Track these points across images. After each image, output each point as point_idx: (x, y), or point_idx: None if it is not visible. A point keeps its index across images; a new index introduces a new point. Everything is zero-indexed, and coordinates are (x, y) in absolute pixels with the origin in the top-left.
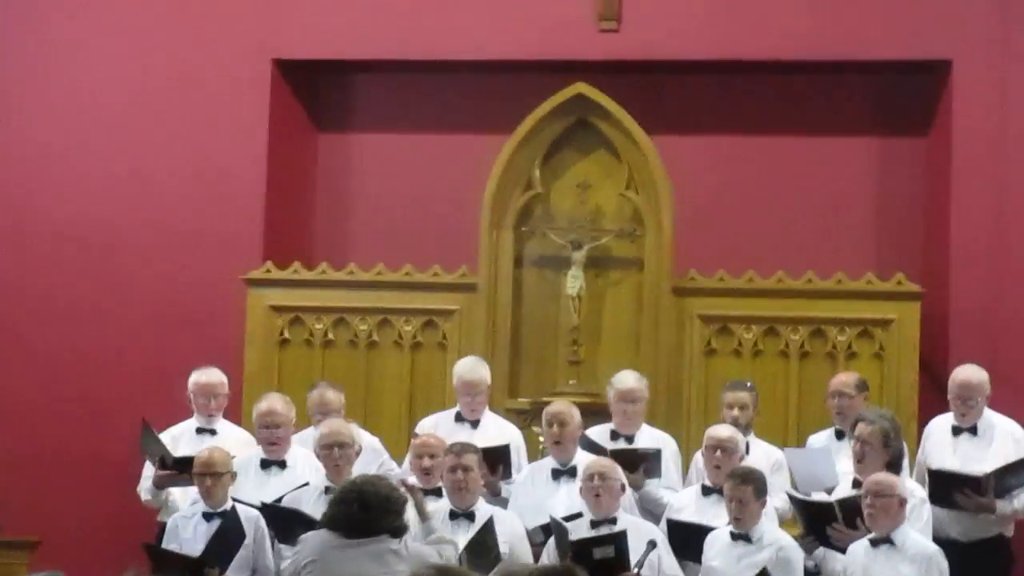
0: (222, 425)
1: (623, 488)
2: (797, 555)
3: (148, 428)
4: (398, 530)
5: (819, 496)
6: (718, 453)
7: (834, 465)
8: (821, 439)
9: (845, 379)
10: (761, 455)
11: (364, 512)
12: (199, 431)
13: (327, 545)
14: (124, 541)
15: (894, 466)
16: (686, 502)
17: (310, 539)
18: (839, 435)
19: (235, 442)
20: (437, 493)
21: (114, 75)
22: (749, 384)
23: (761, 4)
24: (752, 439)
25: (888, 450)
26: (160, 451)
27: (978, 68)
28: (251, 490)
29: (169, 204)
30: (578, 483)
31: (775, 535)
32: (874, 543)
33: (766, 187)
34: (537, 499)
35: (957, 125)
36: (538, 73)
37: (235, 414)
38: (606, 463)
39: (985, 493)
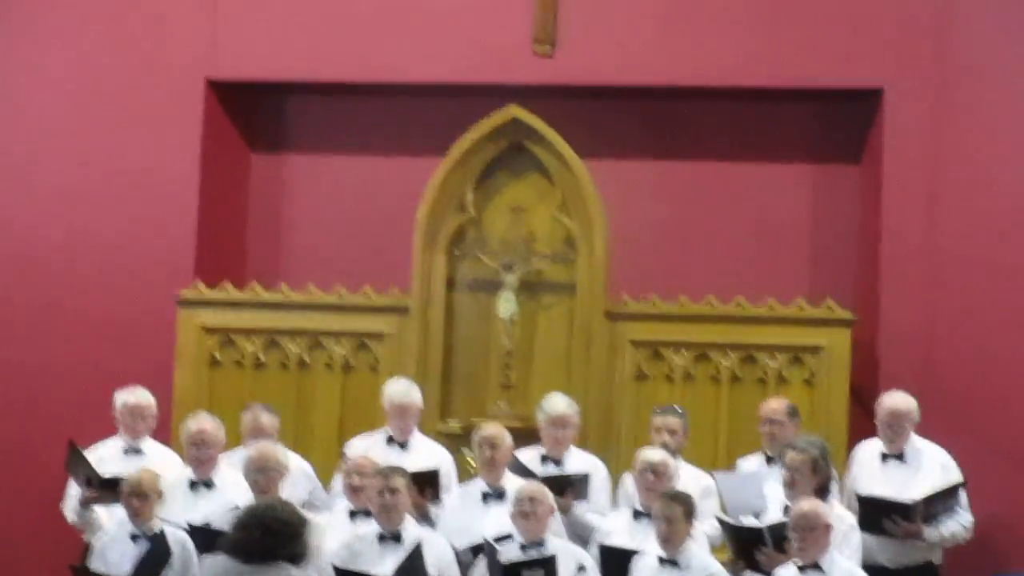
0: (148, 445)
1: (552, 511)
2: None
3: (75, 448)
4: (297, 556)
5: (749, 521)
6: (650, 477)
7: (763, 490)
8: (752, 463)
9: (776, 406)
10: (690, 480)
11: (265, 538)
12: (126, 451)
13: (226, 571)
14: (52, 561)
15: (823, 491)
16: (617, 526)
17: (208, 565)
18: (769, 460)
19: (163, 462)
20: (367, 514)
21: (48, 92)
22: (680, 409)
23: (696, 31)
24: (681, 463)
25: (817, 477)
26: (87, 472)
27: (910, 96)
28: (179, 511)
29: (101, 221)
30: (508, 506)
31: (704, 561)
32: (802, 569)
33: (699, 212)
34: (467, 521)
35: (889, 152)
36: (473, 96)
37: (165, 434)
38: (536, 487)
39: (914, 519)
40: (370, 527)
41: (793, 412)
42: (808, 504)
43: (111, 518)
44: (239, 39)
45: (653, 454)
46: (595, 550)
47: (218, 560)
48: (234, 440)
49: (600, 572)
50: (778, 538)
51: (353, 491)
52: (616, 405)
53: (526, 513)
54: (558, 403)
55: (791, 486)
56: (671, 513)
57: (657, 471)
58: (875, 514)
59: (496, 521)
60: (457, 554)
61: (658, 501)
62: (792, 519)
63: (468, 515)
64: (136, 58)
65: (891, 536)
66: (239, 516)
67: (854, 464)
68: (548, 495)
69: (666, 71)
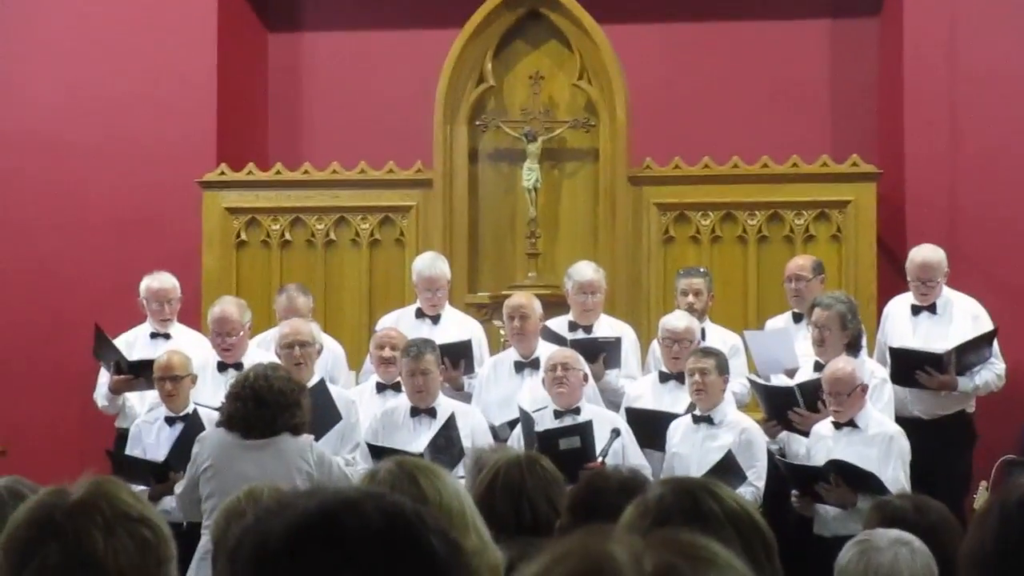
0: (176, 329)
1: (586, 378)
2: (759, 437)
3: (101, 333)
4: (298, 427)
5: (780, 380)
6: (675, 346)
7: (793, 347)
8: (779, 322)
9: (801, 262)
10: (717, 340)
11: (259, 409)
12: (153, 336)
13: (226, 447)
14: (88, 448)
15: (853, 347)
16: (643, 390)
17: (207, 440)
18: (796, 318)
19: (191, 346)
20: (397, 388)
21: None
22: (703, 270)
23: None
24: (708, 324)
25: (846, 332)
26: (115, 356)
27: None
28: (210, 393)
29: (120, 110)
30: (541, 374)
31: (737, 417)
32: (837, 425)
33: (719, 73)
34: (501, 392)
35: (908, 3)
36: None
37: (194, 317)
38: (568, 353)
39: (946, 370)
40: (399, 400)
41: (818, 268)
42: (842, 366)
43: (143, 403)
44: None
45: (676, 322)
46: (625, 414)
47: (218, 434)
48: (261, 319)
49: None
50: (810, 396)
51: (383, 363)
52: (643, 269)
53: (559, 380)
54: (585, 269)
55: (820, 343)
56: (705, 366)
57: (680, 340)
58: (907, 366)
59: (531, 391)
60: (494, 429)
61: (691, 356)
62: (826, 381)
63: (502, 386)
64: None
65: (924, 387)
66: (232, 387)
67: (886, 319)
68: (580, 360)
69: None
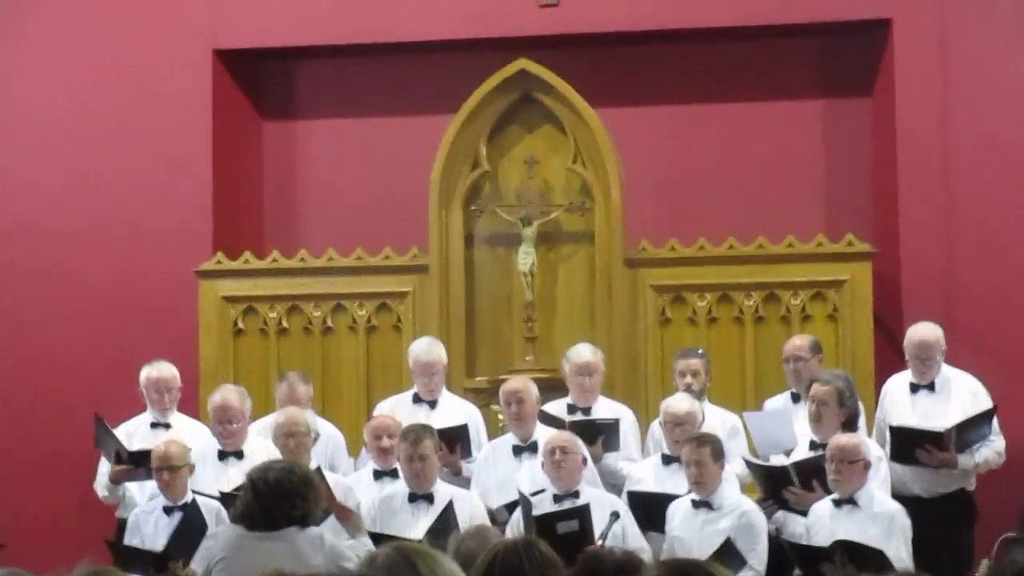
0: (176, 418)
1: (585, 461)
2: (760, 519)
3: (102, 423)
4: (305, 518)
5: (779, 461)
6: (677, 430)
7: (792, 427)
8: (777, 403)
9: (799, 342)
10: (716, 421)
11: (258, 502)
12: (153, 425)
13: (236, 539)
14: (86, 538)
15: (850, 425)
16: (646, 472)
17: (220, 534)
18: (795, 398)
19: (191, 434)
20: (394, 475)
21: (56, 72)
22: (700, 351)
23: None
24: (707, 405)
25: (844, 409)
26: (115, 446)
27: (918, 25)
28: (210, 481)
29: (117, 199)
30: (540, 458)
31: (736, 500)
32: (837, 504)
33: (713, 154)
34: (500, 477)
35: (900, 83)
36: (480, 51)
37: (192, 406)
38: (567, 437)
39: (947, 448)
40: (397, 487)
41: (816, 348)
42: (848, 437)
43: (143, 493)
44: (244, 7)
45: (678, 406)
46: (626, 497)
47: (230, 528)
48: (260, 407)
49: (633, 519)
50: (805, 475)
51: (381, 453)
52: (640, 351)
53: (557, 463)
54: (583, 351)
55: (818, 420)
56: (700, 457)
57: (682, 423)
58: (908, 444)
59: (530, 474)
60: (492, 513)
61: (686, 445)
62: (830, 451)
63: (501, 470)
64: (142, 33)
65: (924, 465)
66: (244, 482)
67: (885, 397)
68: (579, 444)
69: (672, 15)
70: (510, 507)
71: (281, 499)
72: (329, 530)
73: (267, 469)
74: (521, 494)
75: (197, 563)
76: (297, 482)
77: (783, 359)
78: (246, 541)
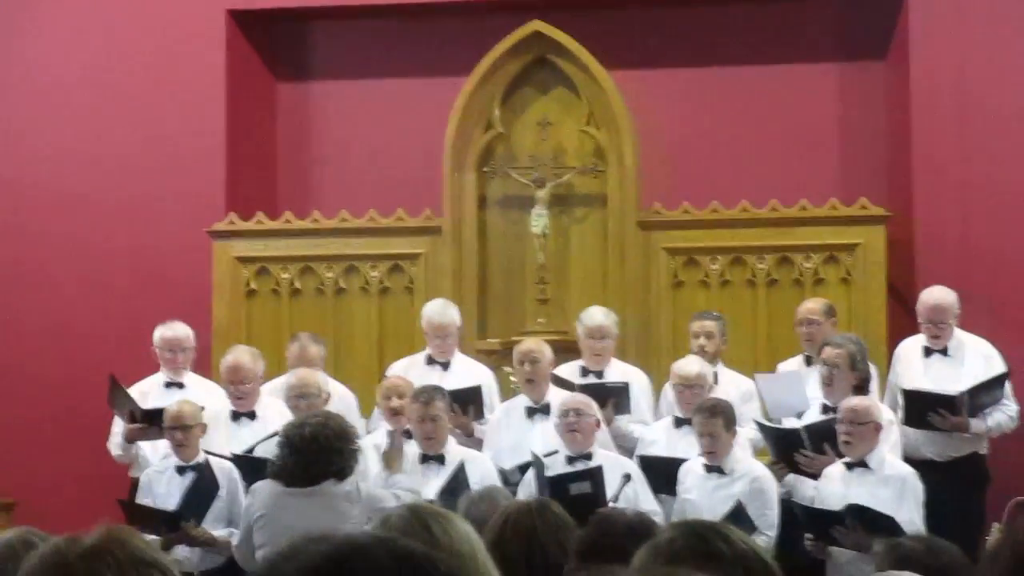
0: (190, 378)
1: (598, 424)
2: (771, 484)
3: (116, 383)
4: (342, 472)
5: (788, 422)
6: (687, 392)
7: (804, 389)
8: (791, 366)
9: (812, 306)
10: (730, 385)
11: (295, 457)
12: (167, 385)
13: (275, 496)
14: (99, 498)
15: (862, 388)
16: (657, 435)
17: (258, 491)
18: (808, 361)
19: (204, 394)
20: (407, 435)
21: (71, 34)
22: (716, 313)
23: None
24: (720, 368)
25: (855, 373)
26: (129, 405)
27: None
28: (222, 442)
29: (130, 161)
30: (553, 420)
31: (748, 465)
32: (849, 467)
33: (727, 118)
34: (512, 438)
35: (915, 47)
36: (494, 13)
37: (205, 366)
38: (581, 399)
39: (959, 412)
40: (411, 448)
41: (830, 311)
42: (859, 399)
43: (156, 452)
44: None
45: (688, 368)
46: (638, 460)
47: (268, 485)
48: (272, 367)
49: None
50: (816, 438)
51: (392, 414)
52: (653, 314)
53: (571, 425)
54: (596, 314)
55: (829, 383)
56: (713, 428)
57: (693, 386)
58: (920, 408)
59: (542, 436)
60: (504, 473)
61: (697, 415)
62: (842, 413)
63: (513, 432)
64: None
65: (937, 430)
66: (278, 438)
67: (897, 361)
68: (593, 406)
69: None
70: (523, 468)
71: (318, 455)
72: None
73: (302, 425)
74: (534, 455)
75: (241, 523)
76: (332, 436)
77: (796, 322)
78: (283, 499)
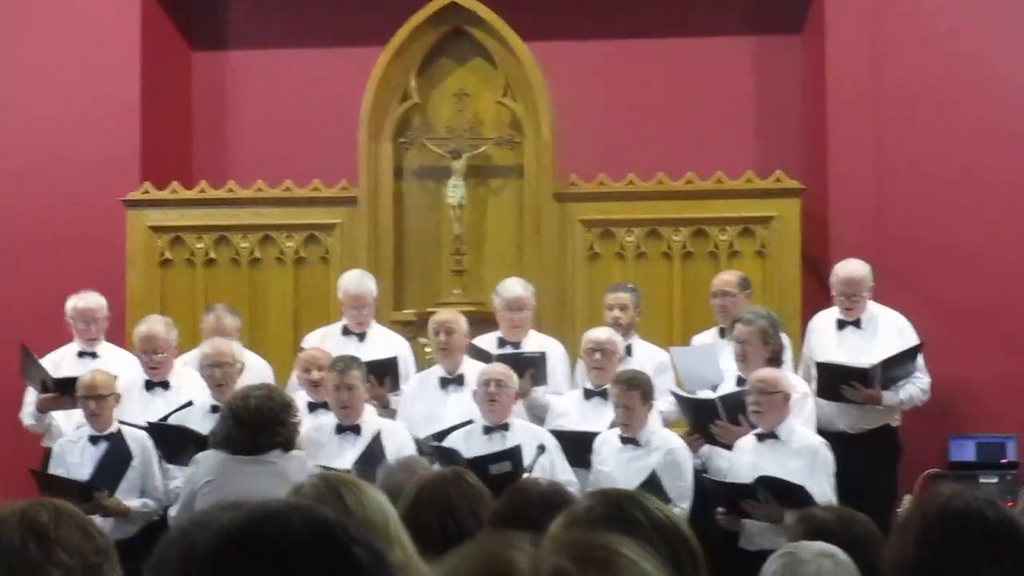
0: (104, 348)
1: (517, 396)
2: (685, 456)
3: (28, 353)
4: (288, 443)
5: (704, 394)
6: (597, 355)
7: (718, 362)
8: (705, 338)
9: (727, 278)
10: (645, 357)
11: (240, 429)
12: (80, 355)
13: (222, 463)
14: (13, 468)
15: (775, 362)
16: (568, 406)
17: (205, 459)
18: (723, 333)
19: (118, 364)
20: (325, 407)
21: None
22: (630, 285)
23: None
24: (635, 340)
25: (768, 347)
26: (41, 375)
27: None
28: (136, 411)
29: (44, 129)
30: (470, 389)
31: (664, 438)
32: (760, 438)
33: (644, 90)
34: (426, 408)
35: (831, 20)
36: None
37: (119, 336)
38: (502, 369)
39: (872, 384)
40: (325, 419)
41: (744, 283)
42: (767, 370)
43: (69, 422)
44: None
45: (598, 333)
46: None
47: (214, 454)
48: (187, 338)
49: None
50: (731, 409)
51: (311, 385)
52: (569, 286)
53: (492, 395)
54: (513, 286)
55: (742, 358)
56: (629, 400)
57: (603, 349)
58: (833, 380)
59: (456, 407)
60: (418, 443)
61: (614, 387)
62: (750, 383)
63: (427, 402)
64: None
65: (850, 402)
66: (222, 410)
67: (811, 333)
68: (514, 378)
69: None
70: (437, 436)
71: (264, 426)
72: None
73: (247, 397)
74: (438, 447)
75: (181, 492)
76: (277, 408)
77: (711, 294)
78: (231, 463)
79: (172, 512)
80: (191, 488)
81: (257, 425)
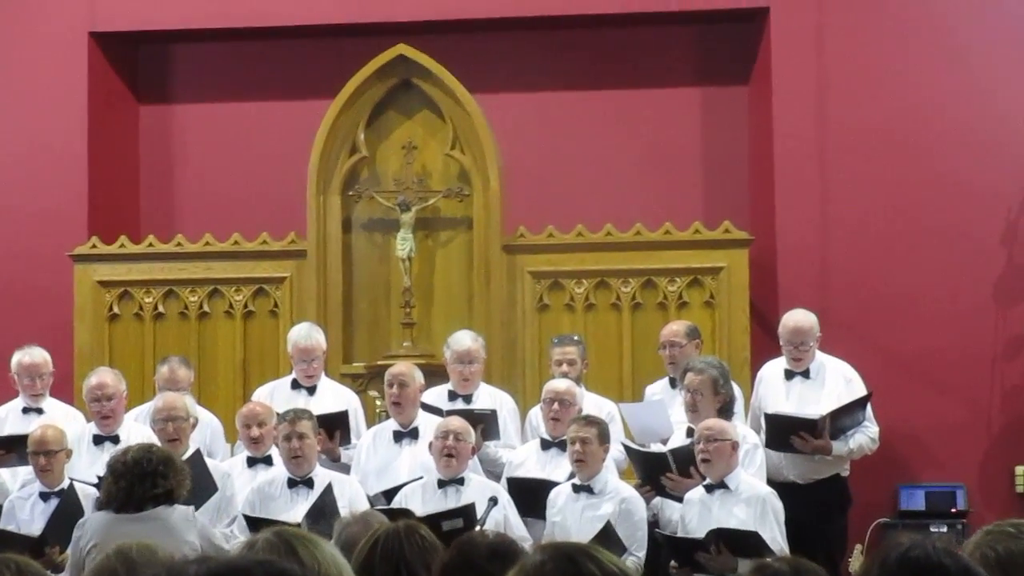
0: (49, 403)
1: (474, 450)
2: (640, 506)
3: None
4: (169, 495)
5: (654, 446)
6: (556, 406)
7: (668, 415)
8: (656, 389)
9: (675, 328)
10: (592, 408)
11: (117, 484)
12: (25, 411)
13: (107, 525)
14: None
15: (726, 412)
16: (525, 457)
17: (89, 522)
18: (673, 383)
19: (64, 419)
20: (267, 462)
21: None
22: (576, 337)
23: None
24: (583, 392)
25: (719, 396)
26: None
27: (795, 15)
28: (83, 466)
29: None
30: (425, 442)
31: (618, 486)
32: (709, 489)
33: (591, 141)
34: (380, 462)
35: (777, 72)
36: (358, 36)
37: (67, 391)
38: (460, 423)
39: (821, 435)
40: (275, 472)
41: (693, 333)
42: (714, 419)
43: (15, 479)
44: None
45: (558, 384)
46: (506, 483)
47: (98, 515)
48: (135, 393)
49: (514, 505)
50: (683, 461)
51: (251, 441)
52: (518, 337)
53: (449, 449)
54: (464, 339)
55: (693, 408)
56: (587, 434)
57: (563, 400)
58: (782, 431)
59: (409, 460)
60: (370, 499)
61: (572, 425)
62: (698, 434)
63: (381, 456)
64: (16, 13)
65: (799, 452)
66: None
67: (759, 383)
68: (471, 432)
69: (550, 1)
70: (388, 494)
71: (142, 478)
72: (208, 514)
73: (125, 451)
74: (392, 510)
75: (69, 558)
76: (156, 461)
77: (660, 345)
78: (116, 524)
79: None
80: (78, 555)
81: (134, 476)
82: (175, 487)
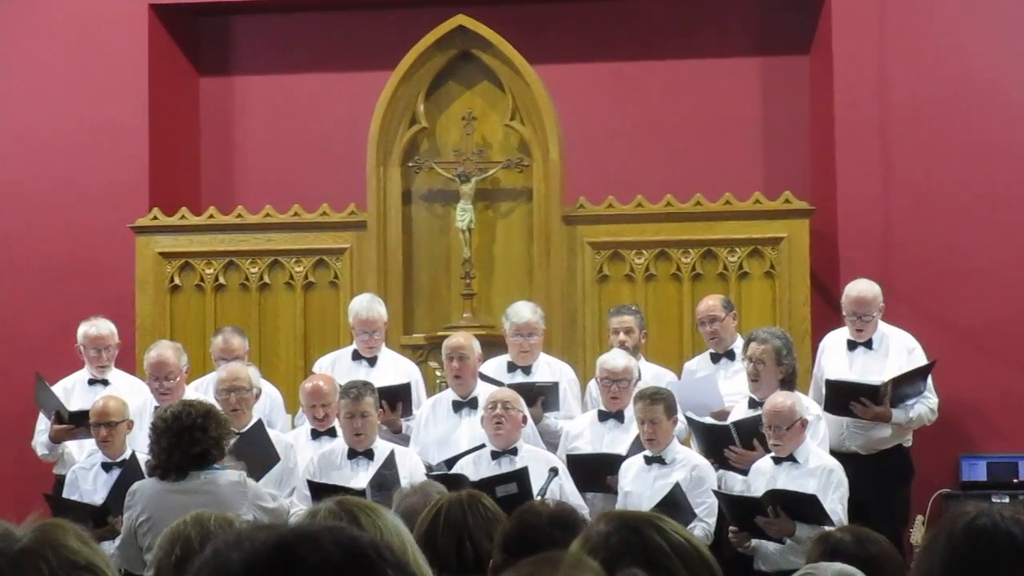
0: (114, 375)
1: (525, 420)
2: (710, 474)
3: (42, 382)
4: (206, 454)
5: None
6: (613, 386)
7: (718, 390)
8: (694, 366)
9: (712, 303)
10: (652, 378)
11: (159, 444)
12: (91, 382)
13: (156, 496)
14: (24, 495)
15: (788, 383)
16: (582, 428)
17: (139, 492)
18: (715, 359)
19: (128, 391)
20: (331, 434)
21: None
22: (634, 307)
23: None
24: (642, 362)
25: (781, 367)
26: (55, 405)
27: None
28: (147, 437)
29: (53, 157)
30: (479, 414)
31: (688, 455)
32: (776, 460)
33: (651, 112)
34: (439, 432)
35: (837, 41)
36: (418, 7)
37: (129, 362)
38: (508, 393)
39: (881, 401)
40: (336, 443)
41: (729, 305)
42: (782, 400)
43: (82, 451)
44: None
45: (614, 362)
46: (565, 459)
47: (146, 483)
48: (196, 364)
49: (572, 478)
50: (745, 434)
51: (317, 420)
52: (578, 309)
53: (498, 418)
54: (523, 310)
55: (756, 378)
56: (654, 415)
57: (619, 380)
58: (842, 396)
59: (469, 431)
60: (430, 468)
61: (638, 402)
62: (766, 415)
63: (440, 426)
64: None
65: (858, 418)
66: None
67: (821, 353)
68: (520, 401)
69: None
70: (449, 463)
71: (179, 434)
72: (270, 485)
73: (166, 408)
74: (449, 475)
75: (123, 525)
76: (195, 414)
77: (698, 322)
78: (163, 496)
79: (117, 541)
80: (130, 524)
81: (173, 434)
82: (216, 442)
